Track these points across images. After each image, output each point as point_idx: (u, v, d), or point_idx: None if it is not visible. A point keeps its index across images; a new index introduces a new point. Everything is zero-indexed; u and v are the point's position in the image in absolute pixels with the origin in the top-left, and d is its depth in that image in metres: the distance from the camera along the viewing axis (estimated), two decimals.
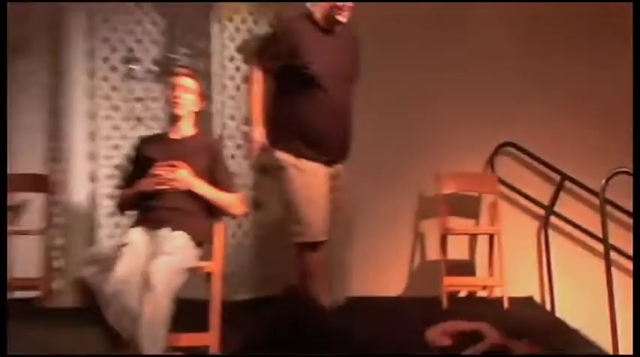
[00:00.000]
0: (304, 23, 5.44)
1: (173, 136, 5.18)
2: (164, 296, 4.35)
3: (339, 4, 5.28)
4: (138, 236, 4.65)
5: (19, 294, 6.74)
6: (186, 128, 5.18)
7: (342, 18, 5.30)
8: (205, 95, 5.72)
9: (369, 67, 5.74)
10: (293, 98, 5.42)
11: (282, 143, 5.40)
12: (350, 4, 5.30)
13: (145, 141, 5.46)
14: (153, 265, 4.40)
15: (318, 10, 5.39)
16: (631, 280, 6.58)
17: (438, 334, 3.70)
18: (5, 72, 5.94)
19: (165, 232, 4.69)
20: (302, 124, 5.39)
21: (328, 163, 5.41)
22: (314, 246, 5.42)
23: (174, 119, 5.19)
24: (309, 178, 5.36)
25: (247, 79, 5.64)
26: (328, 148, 5.39)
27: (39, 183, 6.85)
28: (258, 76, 5.44)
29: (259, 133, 5.38)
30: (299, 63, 5.30)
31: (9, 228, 6.65)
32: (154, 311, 4.31)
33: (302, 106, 5.38)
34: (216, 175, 5.11)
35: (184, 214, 4.88)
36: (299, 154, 5.35)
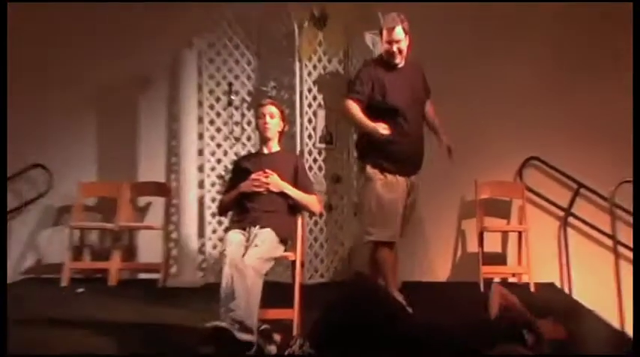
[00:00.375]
0: (377, 65, 5.58)
1: (264, 151, 5.20)
2: (255, 279, 4.43)
3: (390, 50, 5.44)
4: (236, 236, 4.67)
5: (144, 275, 7.16)
6: (274, 146, 5.19)
7: (397, 61, 5.47)
8: (288, 120, 5.75)
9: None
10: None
11: (370, 160, 5.55)
12: (397, 47, 5.40)
13: (242, 158, 5.63)
14: (246, 256, 4.49)
15: (383, 54, 5.55)
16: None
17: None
18: (5, 72, 5.92)
19: (255, 230, 4.70)
20: (385, 144, 5.43)
21: (406, 175, 5.53)
22: (389, 244, 5.53)
23: (264, 140, 5.21)
24: (390, 189, 5.49)
25: (344, 110, 5.59)
26: (405, 163, 5.51)
27: (160, 189, 7.18)
28: (352, 104, 5.49)
29: (381, 126, 5.36)
30: (377, 97, 5.47)
31: (138, 224, 7.22)
32: (249, 291, 4.37)
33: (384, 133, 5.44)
34: (298, 182, 5.08)
35: (271, 214, 4.86)
36: (383, 169, 5.49)
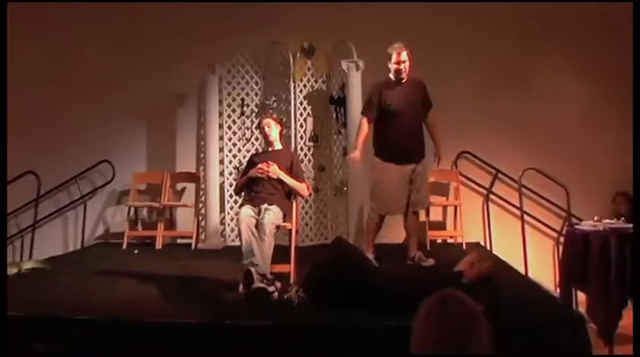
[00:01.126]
0: (385, 83, 5.54)
1: (269, 150, 5.31)
2: (270, 238, 4.55)
3: (398, 68, 5.43)
4: (248, 210, 4.70)
5: (181, 241, 7.26)
6: (276, 145, 5.29)
7: (402, 77, 5.47)
8: (285, 124, 5.86)
9: None
10: (382, 127, 5.55)
11: (377, 153, 5.59)
12: (403, 66, 5.40)
13: (254, 154, 5.69)
14: (262, 221, 4.58)
15: (391, 74, 5.50)
16: (535, 232, 7.00)
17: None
18: (5, 71, 5.83)
19: (265, 206, 4.74)
20: (387, 140, 5.54)
21: (404, 163, 5.50)
22: (413, 213, 5.67)
23: (267, 142, 5.34)
24: (389, 174, 5.52)
25: (360, 125, 5.59)
26: (402, 153, 5.49)
27: (192, 177, 7.29)
28: (364, 123, 5.54)
29: (357, 153, 5.49)
30: (383, 105, 5.49)
31: (176, 203, 7.27)
32: (266, 247, 4.49)
33: (387, 131, 5.53)
34: (293, 171, 5.11)
35: (274, 196, 4.93)
36: (384, 159, 5.55)
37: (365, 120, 5.60)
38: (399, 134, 5.49)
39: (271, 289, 4.27)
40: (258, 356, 3.61)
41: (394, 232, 6.97)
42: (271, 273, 4.57)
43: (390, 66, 5.51)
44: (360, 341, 3.57)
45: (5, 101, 6.02)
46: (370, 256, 5.40)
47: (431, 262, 5.65)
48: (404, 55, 5.44)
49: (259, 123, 5.45)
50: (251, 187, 5.06)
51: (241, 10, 7.15)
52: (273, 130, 5.26)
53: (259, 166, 5.04)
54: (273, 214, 4.71)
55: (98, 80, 7.37)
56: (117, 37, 7.40)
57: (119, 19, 7.36)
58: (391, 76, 5.53)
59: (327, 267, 4.25)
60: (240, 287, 4.51)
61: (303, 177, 5.29)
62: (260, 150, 6.53)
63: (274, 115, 5.58)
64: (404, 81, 5.54)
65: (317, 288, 4.14)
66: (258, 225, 4.62)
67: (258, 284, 4.22)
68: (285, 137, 6.04)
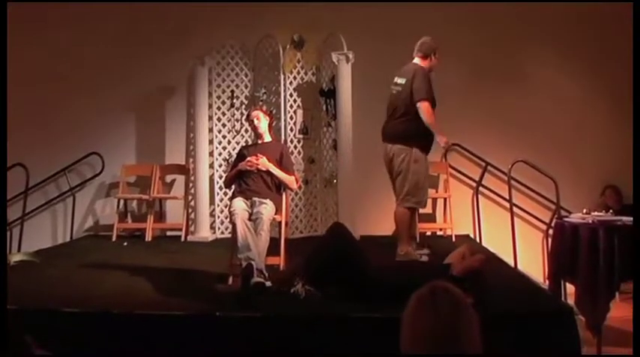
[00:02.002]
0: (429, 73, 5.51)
1: (259, 142, 5.24)
2: (267, 233, 4.51)
3: (437, 64, 5.55)
4: (241, 203, 4.69)
5: (171, 233, 7.25)
6: (266, 137, 5.22)
7: (432, 71, 5.49)
8: (274, 116, 5.91)
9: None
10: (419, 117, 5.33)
11: (417, 144, 5.38)
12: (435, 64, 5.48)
13: (243, 147, 5.64)
14: (261, 216, 4.54)
15: (434, 66, 5.54)
16: (525, 225, 7.03)
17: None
18: (5, 71, 5.81)
19: (259, 200, 4.72)
20: (425, 130, 5.32)
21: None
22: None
23: (257, 135, 5.28)
24: (425, 165, 5.52)
25: (425, 110, 5.25)
26: (431, 144, 5.47)
27: (182, 169, 7.27)
28: (430, 108, 5.30)
29: (444, 136, 5.37)
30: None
31: (166, 195, 7.26)
32: (262, 242, 4.44)
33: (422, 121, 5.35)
34: (282, 163, 5.07)
35: (266, 188, 4.91)
36: (422, 150, 5.41)
37: (429, 104, 5.35)
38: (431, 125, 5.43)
39: (268, 283, 4.27)
40: (247, 348, 3.62)
41: (383, 225, 7.00)
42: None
43: (433, 60, 5.55)
44: (349, 333, 3.60)
45: (5, 100, 5.99)
46: (411, 249, 5.46)
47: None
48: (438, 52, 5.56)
49: (248, 115, 5.42)
50: (241, 179, 5.04)
51: (231, 1, 7.11)
52: (262, 123, 5.23)
53: (248, 158, 5.01)
54: (269, 208, 4.70)
55: (87, 73, 7.32)
56: (106, 30, 7.36)
57: (108, 12, 7.29)
58: (432, 70, 5.55)
59: (323, 256, 4.28)
60: (230, 279, 4.53)
61: (293, 169, 5.26)
62: (250, 142, 6.48)
63: (263, 107, 5.57)
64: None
65: (313, 276, 4.17)
66: (255, 219, 4.59)
67: (257, 279, 4.21)
68: (274, 129, 5.98)
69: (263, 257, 4.45)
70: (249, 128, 6.55)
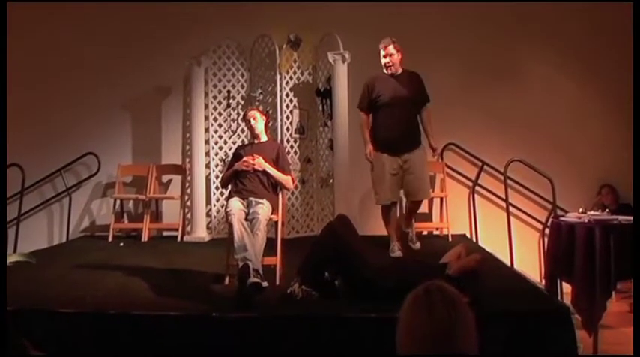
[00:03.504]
0: (378, 76, 5.65)
1: (255, 142, 5.20)
2: (263, 233, 4.47)
3: (384, 63, 5.58)
4: (238, 203, 4.66)
5: (167, 233, 7.24)
6: (262, 137, 5.19)
7: (392, 70, 5.57)
8: (270, 116, 5.94)
9: None
10: (375, 119, 5.64)
11: (372, 144, 5.61)
12: (390, 60, 5.51)
13: (239, 146, 5.60)
14: (257, 217, 4.51)
15: (383, 65, 5.60)
16: (521, 224, 7.02)
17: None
18: (5, 71, 5.79)
19: (255, 200, 4.70)
20: (379, 131, 5.60)
21: (394, 153, 5.53)
22: (385, 206, 5.67)
23: (254, 135, 5.23)
24: (383, 164, 5.55)
25: (361, 118, 5.68)
26: (392, 144, 5.52)
27: (178, 169, 7.29)
28: (363, 116, 5.68)
29: (370, 146, 5.58)
30: (375, 98, 5.59)
31: (162, 195, 7.25)
32: (259, 242, 4.40)
33: (379, 122, 5.61)
34: (278, 163, 5.05)
35: (262, 189, 4.88)
36: (378, 150, 5.58)
37: (362, 114, 5.74)
38: (390, 125, 5.55)
39: (264, 283, 4.24)
40: (244, 348, 3.62)
41: (380, 224, 7.02)
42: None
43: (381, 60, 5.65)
44: (344, 333, 3.60)
45: (5, 101, 5.97)
46: (396, 246, 5.67)
47: (418, 245, 5.96)
48: (389, 49, 5.55)
49: (244, 115, 5.41)
50: (237, 179, 5.02)
51: (227, 2, 7.11)
52: (259, 123, 5.19)
53: (244, 159, 4.99)
54: (266, 208, 4.69)
55: (83, 73, 7.32)
56: (102, 30, 7.35)
57: (104, 12, 7.29)
58: (383, 69, 5.65)
59: (320, 255, 4.29)
60: (227, 280, 4.53)
61: (289, 169, 5.25)
62: (246, 142, 6.47)
63: (259, 108, 5.54)
64: (398, 73, 5.63)
65: (311, 275, 4.19)
66: (252, 220, 4.57)
67: (253, 279, 4.17)
68: (271, 129, 6.03)
69: (260, 257, 4.41)
70: (245, 128, 6.59)
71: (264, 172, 4.98)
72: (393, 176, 5.57)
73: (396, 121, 5.55)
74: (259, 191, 4.89)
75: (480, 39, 7.17)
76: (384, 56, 5.59)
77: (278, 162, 5.10)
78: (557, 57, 7.17)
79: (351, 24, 6.91)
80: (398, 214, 6.12)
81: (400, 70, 5.65)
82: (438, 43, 7.11)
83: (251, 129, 5.26)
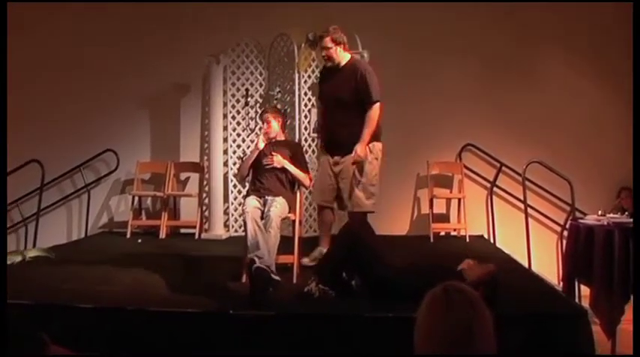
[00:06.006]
0: (325, 70, 5.40)
1: (273, 140, 5.13)
2: (276, 230, 4.50)
3: (322, 54, 5.23)
4: (254, 201, 4.67)
5: (184, 230, 7.27)
6: (279, 137, 5.19)
7: (329, 64, 5.21)
8: (288, 116, 5.96)
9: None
10: (322, 116, 5.47)
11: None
12: (325, 53, 5.13)
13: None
14: (269, 214, 4.54)
15: None
16: (539, 226, 6.96)
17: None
18: (5, 72, 5.76)
19: (270, 197, 4.71)
20: (322, 129, 5.47)
21: (331, 154, 5.22)
22: (322, 207, 5.35)
23: (268, 138, 5.14)
24: (322, 163, 5.35)
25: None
26: (329, 144, 5.29)
27: (196, 167, 7.30)
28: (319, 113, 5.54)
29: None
30: (321, 94, 5.43)
31: (180, 193, 7.27)
32: (272, 239, 4.43)
33: (323, 120, 5.44)
34: (296, 161, 5.04)
35: (280, 186, 4.90)
36: (321, 148, 5.47)
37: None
38: (327, 123, 5.35)
39: (276, 277, 4.25)
40: (260, 346, 3.63)
41: (398, 225, 7.10)
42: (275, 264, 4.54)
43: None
44: (361, 333, 3.61)
45: (5, 101, 5.98)
46: (316, 252, 5.24)
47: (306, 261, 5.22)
48: (325, 42, 5.16)
49: (261, 115, 5.42)
50: (255, 178, 5.04)
51: (247, 1, 7.13)
52: (273, 126, 5.17)
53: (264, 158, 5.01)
54: (280, 206, 4.68)
55: (103, 70, 7.35)
56: (122, 26, 7.37)
57: (125, 8, 7.32)
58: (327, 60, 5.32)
59: (341, 251, 4.26)
60: (244, 277, 4.53)
61: (307, 167, 5.23)
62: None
63: (277, 106, 5.54)
64: (341, 66, 5.22)
65: (328, 275, 4.18)
66: (265, 217, 4.58)
67: (258, 264, 4.17)
68: (289, 128, 6.02)
69: (273, 255, 4.44)
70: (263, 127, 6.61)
71: (283, 170, 4.99)
72: (328, 178, 5.26)
73: (330, 121, 5.28)
74: (276, 189, 4.89)
75: (499, 38, 7.14)
76: (321, 49, 5.24)
77: (296, 159, 5.10)
78: (577, 57, 7.12)
79: (370, 23, 6.87)
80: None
81: (344, 62, 5.21)
82: (457, 41, 7.09)
83: (266, 133, 5.20)
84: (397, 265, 4.43)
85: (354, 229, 4.45)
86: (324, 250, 5.06)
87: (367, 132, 5.04)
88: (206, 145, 7.27)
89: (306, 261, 5.15)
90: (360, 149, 5.02)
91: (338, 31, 5.17)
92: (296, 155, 5.15)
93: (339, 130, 5.16)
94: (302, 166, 5.12)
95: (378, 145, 5.19)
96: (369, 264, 4.15)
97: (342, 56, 5.21)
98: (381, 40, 6.62)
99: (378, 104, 5.08)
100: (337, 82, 5.20)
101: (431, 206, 6.88)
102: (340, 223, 5.92)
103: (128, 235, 6.92)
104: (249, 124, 7.10)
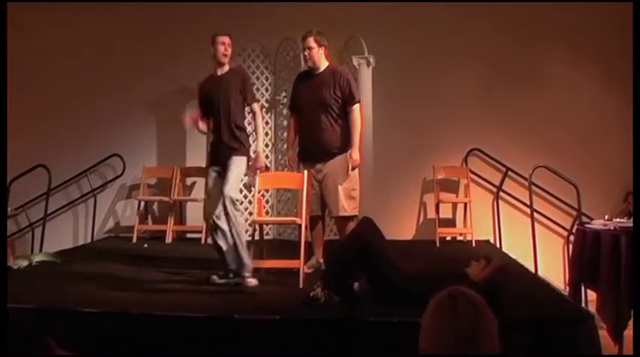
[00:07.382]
0: (300, 76, 5.35)
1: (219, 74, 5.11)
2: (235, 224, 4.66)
3: (304, 55, 5.14)
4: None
5: (191, 235, 7.25)
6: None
7: (310, 65, 5.12)
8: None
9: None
10: (298, 123, 5.29)
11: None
12: (307, 53, 5.04)
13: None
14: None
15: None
16: (545, 231, 6.95)
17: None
18: (5, 72, 5.76)
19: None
20: (299, 138, 5.28)
21: (311, 163, 5.13)
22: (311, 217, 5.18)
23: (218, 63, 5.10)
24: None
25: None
26: (308, 153, 5.17)
27: (202, 171, 6.85)
28: (290, 117, 5.44)
29: (290, 152, 5.39)
30: (296, 99, 5.31)
31: (186, 197, 7.26)
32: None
33: (299, 127, 5.26)
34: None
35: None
36: (299, 158, 5.28)
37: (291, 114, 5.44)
38: (305, 131, 5.21)
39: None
40: (264, 350, 3.62)
41: (404, 229, 7.08)
42: (278, 269, 4.67)
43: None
44: (366, 337, 3.58)
45: (5, 101, 5.97)
46: (313, 260, 5.21)
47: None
48: (309, 42, 5.09)
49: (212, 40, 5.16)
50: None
51: (252, 5, 7.13)
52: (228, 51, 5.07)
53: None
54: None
55: (109, 74, 7.38)
56: (127, 31, 7.40)
57: (129, 13, 7.35)
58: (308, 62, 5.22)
59: (348, 255, 4.22)
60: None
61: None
62: (270, 145, 6.50)
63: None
64: (319, 71, 5.16)
65: (337, 276, 4.15)
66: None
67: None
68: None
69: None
70: (269, 131, 6.71)
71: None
72: (312, 188, 5.10)
73: (309, 127, 5.15)
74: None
75: (504, 42, 7.14)
76: (303, 49, 5.15)
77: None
78: (582, 60, 7.11)
79: (376, 28, 6.89)
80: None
81: (323, 67, 5.15)
82: (462, 45, 7.09)
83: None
84: (406, 269, 4.40)
85: (363, 233, 4.42)
86: (320, 259, 5.12)
87: (357, 136, 5.06)
88: None
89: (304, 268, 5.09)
90: (355, 154, 5.05)
91: (322, 34, 5.15)
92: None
93: (319, 135, 5.10)
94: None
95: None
96: (378, 268, 4.14)
97: (322, 61, 5.16)
98: (386, 45, 6.62)
99: (358, 105, 5.11)
100: (317, 86, 5.12)
101: (437, 211, 6.87)
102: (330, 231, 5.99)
103: (134, 240, 6.93)
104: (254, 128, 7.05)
